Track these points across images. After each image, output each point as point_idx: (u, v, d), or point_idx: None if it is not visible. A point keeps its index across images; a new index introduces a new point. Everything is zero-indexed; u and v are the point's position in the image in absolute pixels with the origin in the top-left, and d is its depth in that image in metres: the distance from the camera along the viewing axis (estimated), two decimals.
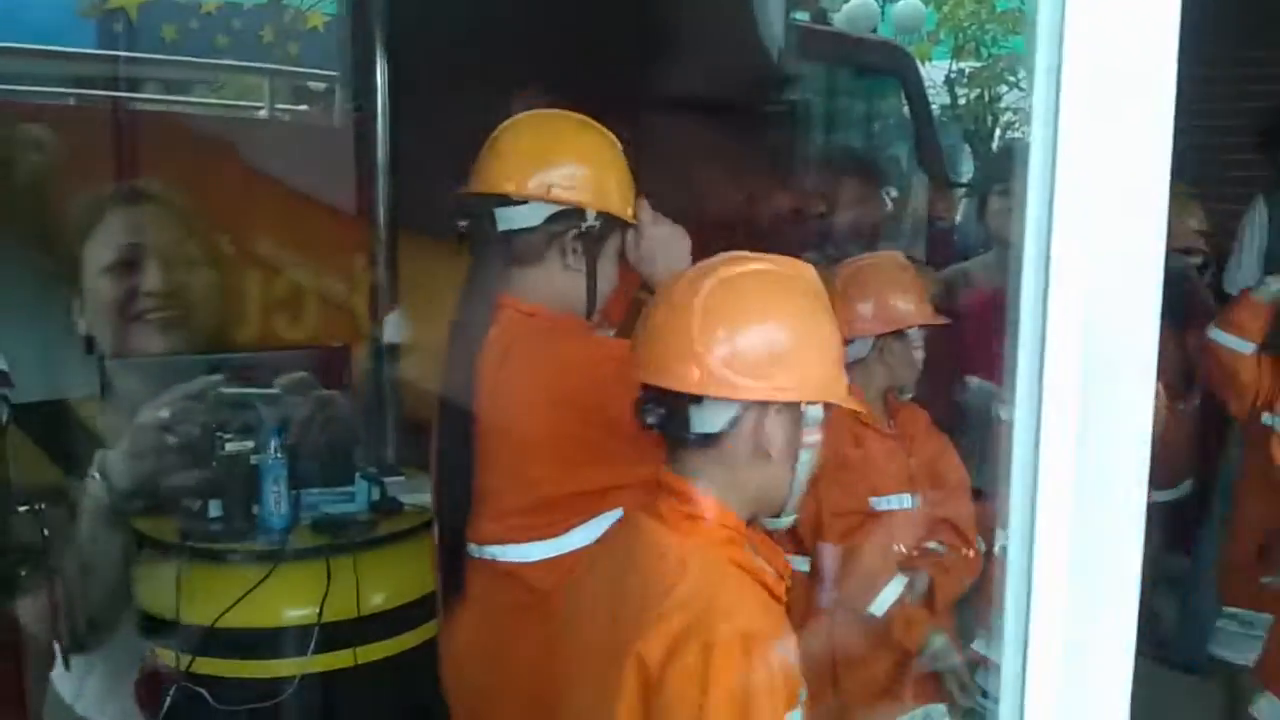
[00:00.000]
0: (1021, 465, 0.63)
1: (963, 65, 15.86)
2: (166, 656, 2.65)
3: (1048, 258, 0.61)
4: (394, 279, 3.91)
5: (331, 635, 2.66)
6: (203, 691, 2.60)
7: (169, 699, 2.59)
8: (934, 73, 10.36)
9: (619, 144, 2.00)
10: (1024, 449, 0.63)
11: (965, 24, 15.48)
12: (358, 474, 2.96)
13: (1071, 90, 0.60)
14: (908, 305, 2.54)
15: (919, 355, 2.57)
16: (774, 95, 5.10)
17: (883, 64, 6.30)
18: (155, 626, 2.70)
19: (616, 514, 1.69)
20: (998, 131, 16.13)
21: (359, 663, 2.70)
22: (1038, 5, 0.61)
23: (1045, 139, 0.61)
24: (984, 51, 16.34)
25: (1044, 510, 0.62)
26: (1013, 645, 0.64)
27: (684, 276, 1.46)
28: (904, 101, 5.64)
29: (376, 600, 2.75)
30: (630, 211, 1.96)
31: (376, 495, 2.97)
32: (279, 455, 2.71)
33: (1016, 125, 16.95)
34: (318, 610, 2.63)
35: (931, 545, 2.57)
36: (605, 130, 2.00)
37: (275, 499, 2.71)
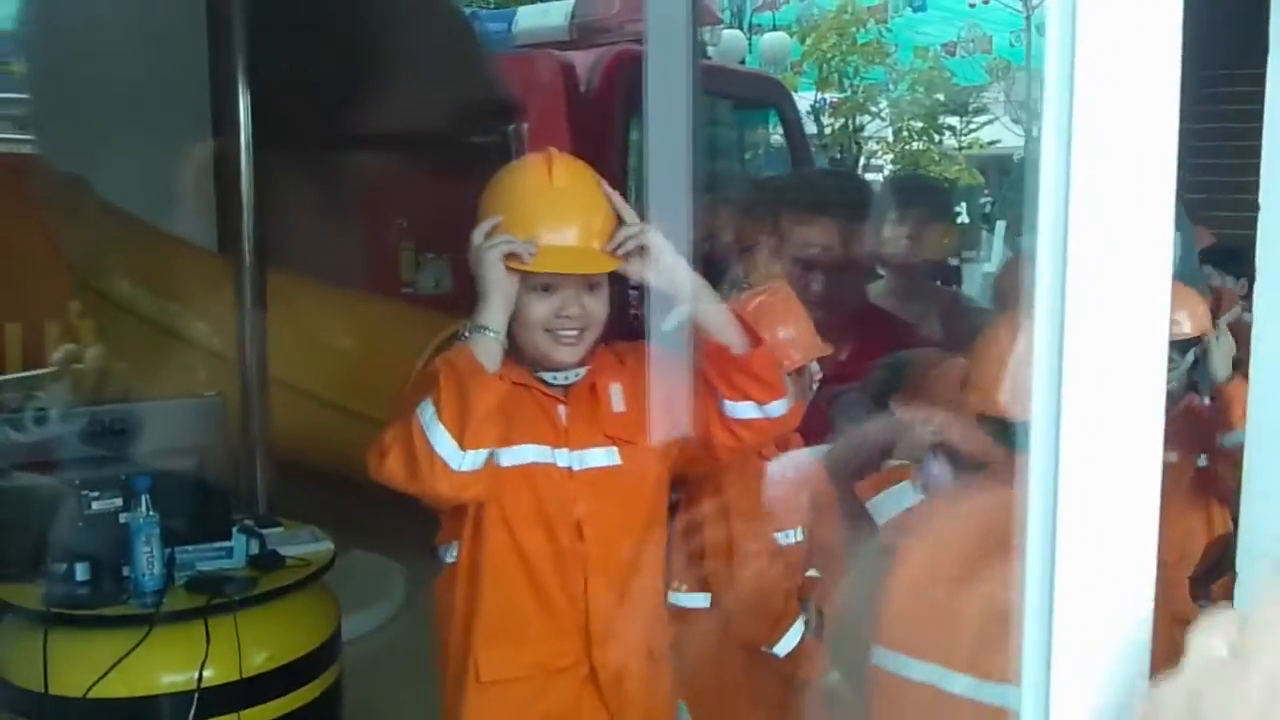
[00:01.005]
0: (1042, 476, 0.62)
1: (826, 95, 16.28)
2: None
3: (1064, 264, 0.61)
4: (260, 318, 3.78)
5: (212, 700, 2.53)
6: None
7: None
8: (800, 102, 10.57)
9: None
10: (1043, 460, 0.62)
11: (829, 56, 15.89)
12: (234, 528, 2.83)
13: (1084, 100, 0.62)
14: (802, 340, 2.51)
15: (816, 383, 2.55)
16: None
17: (761, 95, 6.42)
18: (20, 699, 2.54)
19: None
20: (862, 159, 16.60)
21: None
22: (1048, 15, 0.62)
23: (1059, 148, 0.61)
24: (845, 82, 16.82)
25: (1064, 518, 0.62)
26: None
27: None
28: (780, 131, 5.75)
29: (259, 660, 2.63)
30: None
31: (255, 549, 2.85)
32: (150, 512, 2.58)
33: (879, 153, 17.49)
34: (196, 675, 2.50)
35: (811, 573, 2.56)
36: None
37: (148, 559, 2.57)
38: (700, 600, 2.40)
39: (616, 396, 2.03)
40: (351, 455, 5.23)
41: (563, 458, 2.00)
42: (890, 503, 2.29)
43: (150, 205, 5.44)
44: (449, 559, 2.04)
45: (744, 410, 1.99)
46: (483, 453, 1.86)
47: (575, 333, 1.97)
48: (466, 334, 1.90)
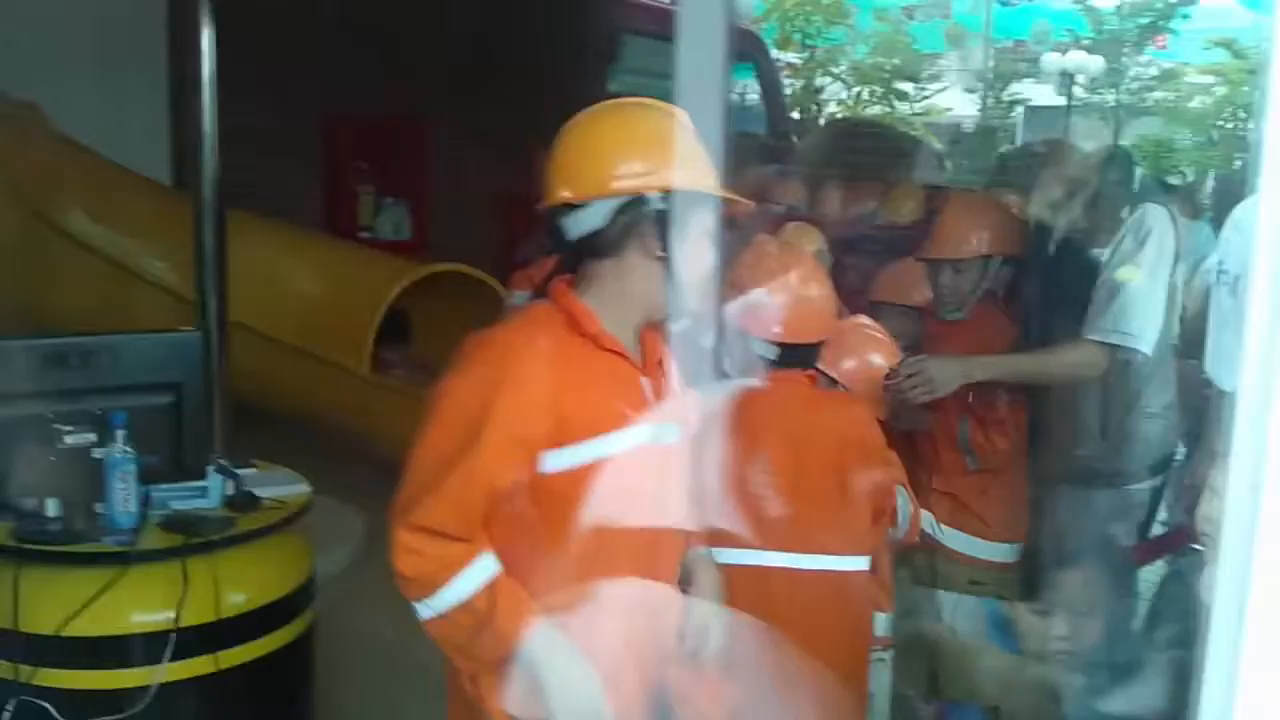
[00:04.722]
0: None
1: (786, 56, 16.23)
2: (4, 669, 2.43)
3: None
4: (221, 259, 3.69)
5: (190, 641, 2.48)
6: (47, 706, 2.39)
7: (7, 715, 2.37)
8: None
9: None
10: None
11: (791, 13, 15.81)
12: (210, 468, 2.77)
13: None
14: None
15: None
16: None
17: (739, 48, 6.35)
18: None
19: None
20: (821, 121, 16.59)
21: (221, 668, 2.52)
22: None
23: None
24: (805, 43, 16.78)
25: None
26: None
27: None
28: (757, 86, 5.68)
29: (238, 601, 2.57)
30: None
31: (230, 490, 2.78)
32: (126, 448, 2.50)
33: (838, 114, 17.48)
34: (174, 615, 2.45)
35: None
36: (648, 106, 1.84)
37: (123, 496, 2.50)
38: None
39: (674, 375, 1.91)
40: (306, 397, 5.17)
41: (654, 433, 1.84)
42: None
43: (103, 139, 5.30)
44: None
45: None
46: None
47: None
48: None
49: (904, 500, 2.57)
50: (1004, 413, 2.93)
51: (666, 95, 1.68)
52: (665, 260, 1.78)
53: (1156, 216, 2.84)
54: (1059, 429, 2.93)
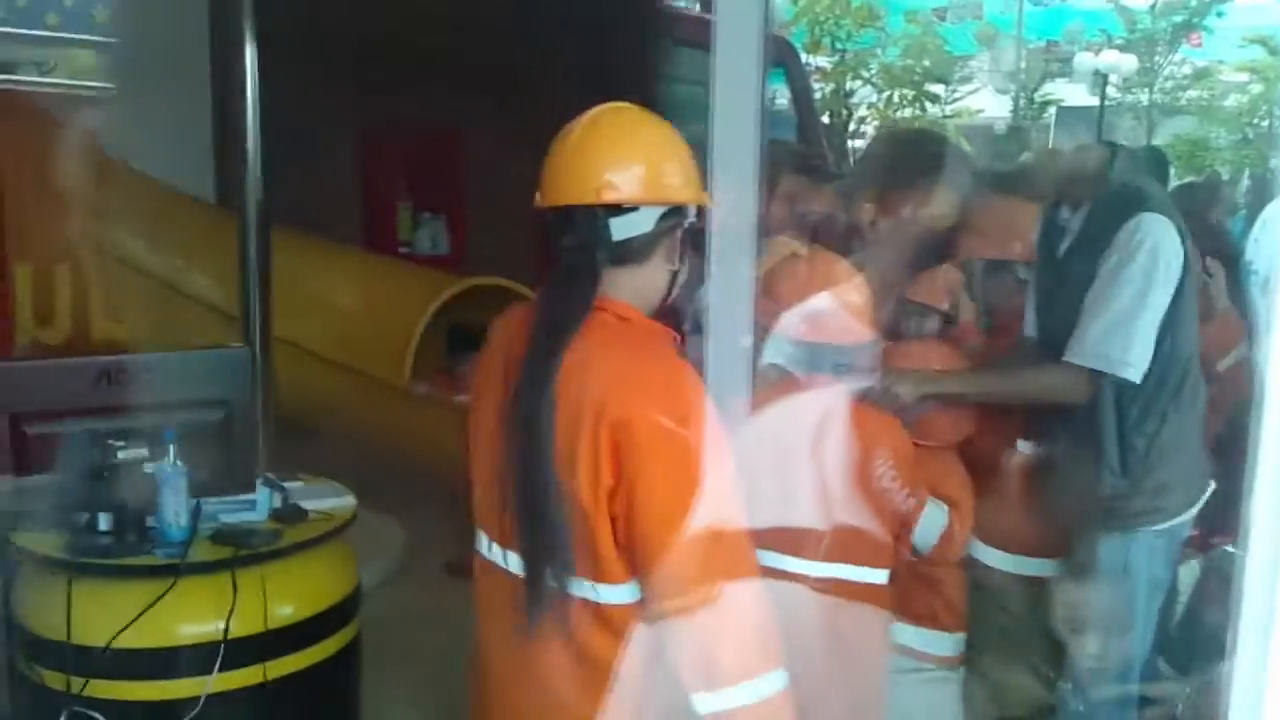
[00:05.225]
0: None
1: (816, 59, 16.21)
2: (56, 680, 2.49)
3: None
4: (265, 276, 3.76)
5: (239, 651, 2.53)
6: (98, 716, 2.45)
7: None
8: None
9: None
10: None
11: (821, 17, 15.80)
12: (258, 481, 2.82)
13: None
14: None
15: None
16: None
17: (770, 54, 6.34)
18: (42, 649, 2.53)
19: None
20: (851, 125, 16.58)
21: (269, 679, 2.57)
22: None
23: None
24: (835, 47, 16.77)
25: None
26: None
27: None
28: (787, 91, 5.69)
29: (286, 613, 2.62)
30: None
31: (278, 502, 2.84)
32: (177, 463, 2.56)
33: (869, 119, 17.45)
34: (223, 626, 2.50)
35: None
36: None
37: (174, 510, 2.56)
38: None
39: None
40: (346, 411, 5.23)
41: None
42: None
43: (148, 158, 5.40)
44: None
45: None
46: None
47: None
48: None
49: (938, 514, 2.57)
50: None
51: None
52: (676, 271, 1.83)
53: (1151, 227, 2.50)
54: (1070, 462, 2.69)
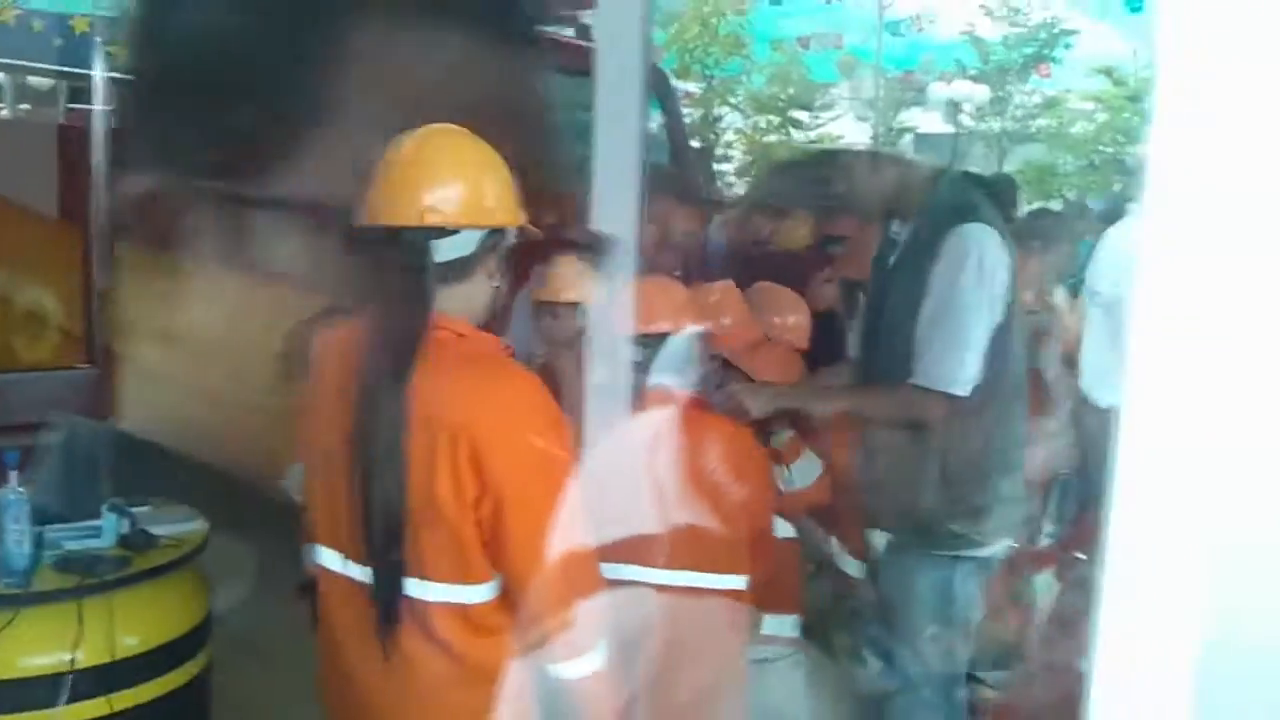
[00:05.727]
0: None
1: (686, 85, 16.45)
2: None
3: None
4: (112, 294, 3.66)
5: (84, 683, 2.46)
6: None
7: None
8: None
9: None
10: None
11: (691, 45, 16.04)
12: (104, 507, 2.74)
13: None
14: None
15: None
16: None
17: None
18: None
19: None
20: (719, 150, 16.85)
21: (114, 710, 2.50)
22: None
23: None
24: (704, 74, 17.04)
25: None
26: None
27: None
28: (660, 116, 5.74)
29: (133, 642, 2.55)
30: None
31: (125, 528, 2.76)
32: (19, 488, 2.47)
33: (735, 144, 17.78)
34: (69, 657, 2.42)
35: None
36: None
37: (16, 537, 2.47)
38: None
39: None
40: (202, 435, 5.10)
41: None
42: None
43: None
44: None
45: None
46: None
47: None
48: None
49: (814, 463, 2.75)
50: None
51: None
52: (498, 287, 1.90)
53: (974, 236, 2.48)
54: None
